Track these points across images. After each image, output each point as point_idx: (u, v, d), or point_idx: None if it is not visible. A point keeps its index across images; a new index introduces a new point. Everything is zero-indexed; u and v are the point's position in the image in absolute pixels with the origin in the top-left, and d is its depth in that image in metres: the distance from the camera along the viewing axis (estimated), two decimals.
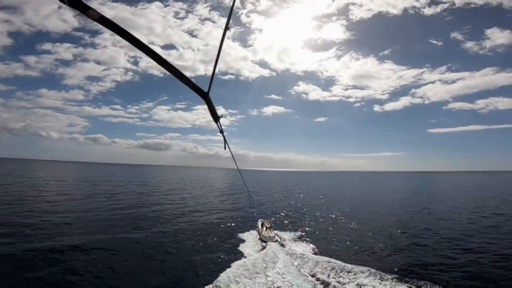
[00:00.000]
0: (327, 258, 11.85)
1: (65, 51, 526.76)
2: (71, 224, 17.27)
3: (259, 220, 20.07)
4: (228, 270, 10.64)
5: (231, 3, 2.38)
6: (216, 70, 2.57)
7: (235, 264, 11.29)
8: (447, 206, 30.79)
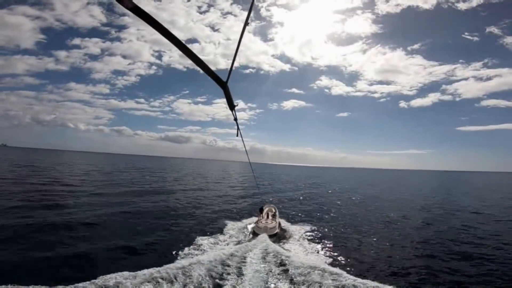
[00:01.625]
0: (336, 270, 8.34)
1: (94, 45, 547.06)
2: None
3: (265, 205, 17.88)
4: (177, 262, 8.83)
5: None
6: (236, 64, 2.67)
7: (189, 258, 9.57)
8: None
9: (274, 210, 16.96)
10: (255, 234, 12.54)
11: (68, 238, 11.89)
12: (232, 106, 2.88)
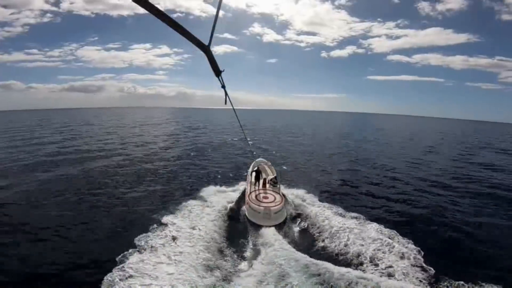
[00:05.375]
0: None
1: None
2: None
3: (256, 162, 12.98)
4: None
5: None
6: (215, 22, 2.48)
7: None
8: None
9: (272, 173, 11.99)
10: (249, 222, 8.45)
11: None
12: (218, 72, 2.69)
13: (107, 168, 18.24)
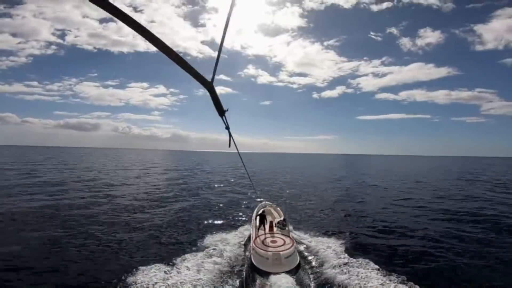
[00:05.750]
0: None
1: None
2: None
3: (260, 206, 12.14)
4: None
5: None
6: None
7: None
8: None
9: (279, 215, 11.26)
10: (255, 270, 7.29)
11: None
12: (221, 112, 2.53)
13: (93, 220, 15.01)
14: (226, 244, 9.74)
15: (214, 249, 9.19)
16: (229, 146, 3.38)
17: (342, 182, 37.66)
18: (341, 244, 10.29)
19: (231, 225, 13.50)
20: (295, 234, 10.89)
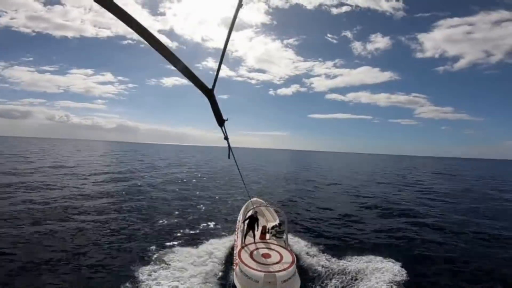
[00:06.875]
0: None
1: None
2: None
3: (249, 204, 8.78)
4: None
5: None
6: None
7: None
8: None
9: (273, 218, 8.84)
10: None
11: None
12: (221, 122, 2.39)
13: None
14: (193, 264, 6.99)
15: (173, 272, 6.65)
16: (229, 157, 3.11)
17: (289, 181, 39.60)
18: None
19: (207, 232, 10.20)
20: (291, 241, 8.22)
